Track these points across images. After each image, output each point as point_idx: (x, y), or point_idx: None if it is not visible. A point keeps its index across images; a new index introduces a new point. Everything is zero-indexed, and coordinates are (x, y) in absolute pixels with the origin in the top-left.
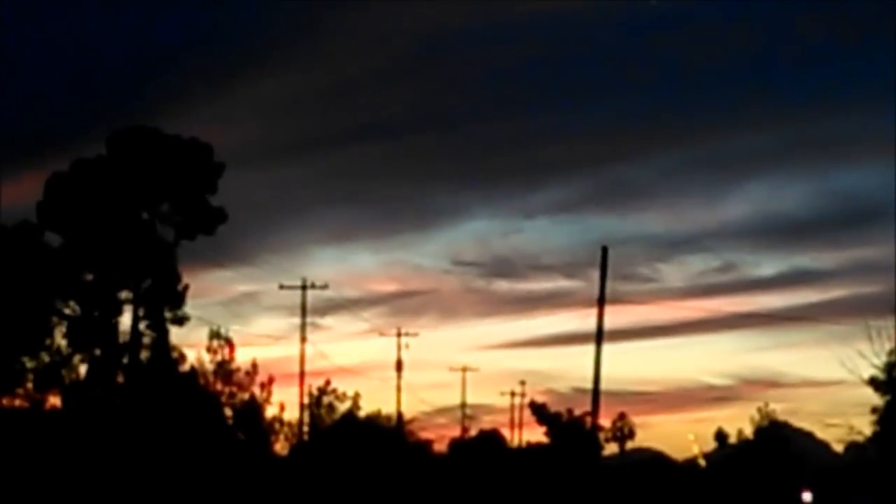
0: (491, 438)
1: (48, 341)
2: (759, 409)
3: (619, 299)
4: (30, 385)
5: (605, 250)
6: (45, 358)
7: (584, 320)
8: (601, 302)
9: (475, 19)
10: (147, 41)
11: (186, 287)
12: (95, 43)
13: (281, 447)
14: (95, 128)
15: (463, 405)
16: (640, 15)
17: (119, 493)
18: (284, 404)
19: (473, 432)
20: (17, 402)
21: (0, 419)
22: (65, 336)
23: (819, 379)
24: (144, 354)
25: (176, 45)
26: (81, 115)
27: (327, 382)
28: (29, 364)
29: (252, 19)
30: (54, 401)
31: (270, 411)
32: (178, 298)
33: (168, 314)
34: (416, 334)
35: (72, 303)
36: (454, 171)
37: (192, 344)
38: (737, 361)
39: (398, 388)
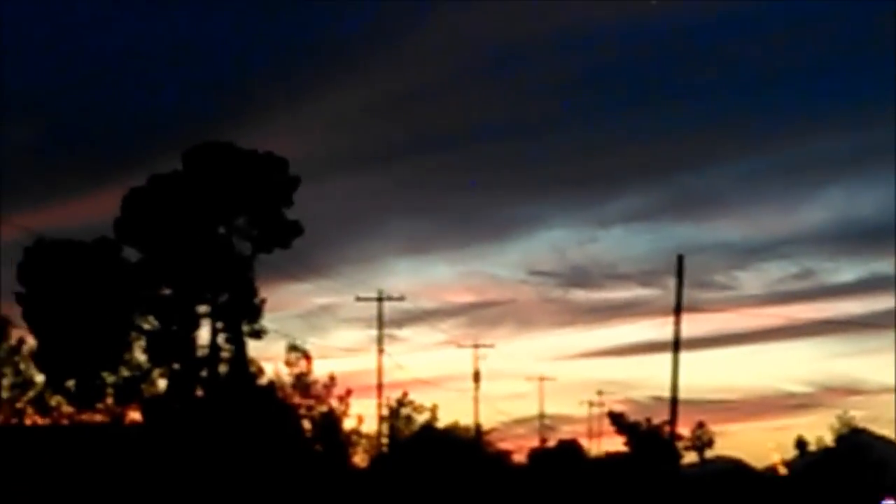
0: (570, 448)
1: (127, 356)
2: (839, 417)
3: (697, 307)
4: (110, 400)
5: (680, 259)
6: (125, 373)
7: (661, 329)
8: (678, 310)
9: (549, 26)
10: (221, 56)
11: (263, 300)
12: (170, 58)
13: (360, 459)
14: (171, 143)
15: (541, 415)
16: (715, 19)
17: None
18: (362, 416)
19: (552, 442)
20: (98, 417)
21: (81, 434)
22: (144, 351)
23: None
24: (223, 368)
25: (250, 58)
26: (157, 131)
27: (405, 394)
28: (109, 379)
29: (325, 31)
30: (134, 415)
31: (349, 424)
32: (255, 312)
33: (246, 328)
34: (492, 345)
35: (150, 317)
36: (530, 181)
37: (269, 357)
38: (816, 369)
39: (476, 400)
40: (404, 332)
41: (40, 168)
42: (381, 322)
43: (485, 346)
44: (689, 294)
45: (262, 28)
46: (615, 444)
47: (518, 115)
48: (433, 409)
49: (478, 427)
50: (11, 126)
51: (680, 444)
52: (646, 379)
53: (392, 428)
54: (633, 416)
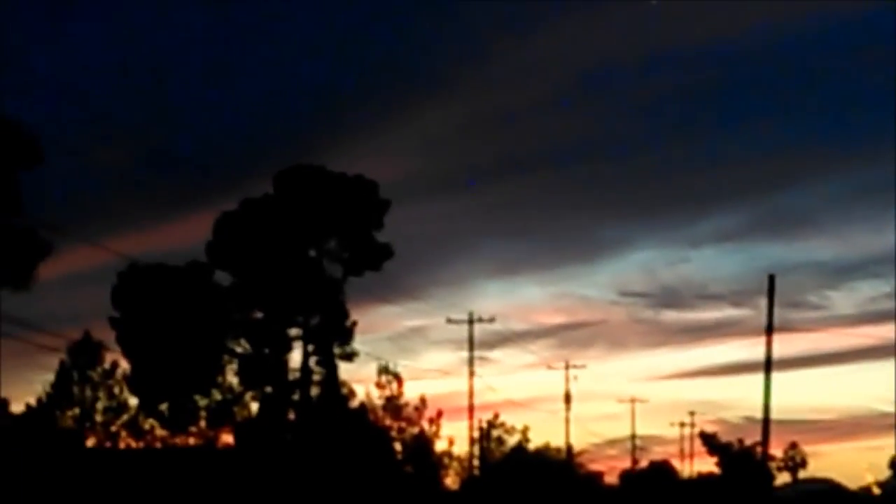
0: (661, 469)
1: (220, 379)
2: None
3: (789, 327)
4: (202, 423)
5: (772, 279)
6: (217, 396)
7: (752, 349)
8: (769, 330)
9: (637, 46)
10: (312, 79)
11: (355, 323)
12: (261, 82)
13: (451, 481)
14: (263, 166)
15: (633, 436)
16: (805, 38)
17: None
18: (454, 438)
19: (644, 463)
20: (191, 440)
21: (174, 457)
22: (236, 374)
23: None
24: (314, 391)
25: (340, 81)
26: (249, 154)
27: (496, 416)
28: (201, 402)
29: (414, 53)
30: (227, 438)
31: (440, 445)
32: (346, 334)
33: (337, 350)
34: (583, 366)
35: (242, 341)
36: (620, 201)
37: (361, 379)
38: None
39: (567, 421)
40: (495, 354)
41: (133, 192)
42: (471, 344)
43: (576, 367)
44: (780, 314)
45: (352, 51)
46: (707, 464)
47: (608, 136)
48: (524, 431)
49: (569, 448)
50: (104, 150)
51: (772, 465)
52: (737, 399)
53: (483, 450)
54: (725, 436)
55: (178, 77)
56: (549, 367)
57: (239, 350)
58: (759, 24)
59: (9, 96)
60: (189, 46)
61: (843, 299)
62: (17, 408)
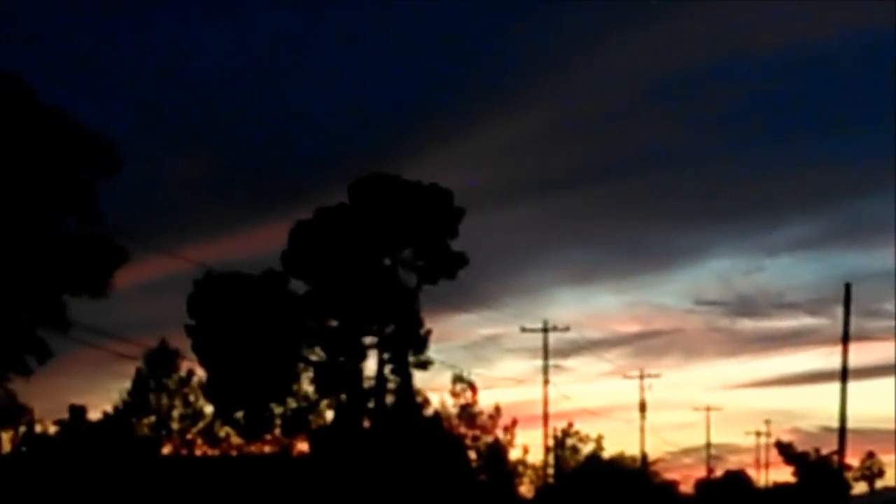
0: (737, 478)
1: (295, 387)
2: None
3: (866, 336)
4: (278, 431)
5: (848, 287)
6: (293, 404)
7: (829, 358)
8: (846, 339)
9: (714, 54)
10: (386, 89)
11: (429, 331)
12: (336, 92)
13: (526, 490)
14: (338, 176)
15: (708, 445)
16: (884, 44)
17: None
18: (528, 447)
19: (719, 472)
20: (266, 448)
21: (249, 465)
22: (311, 382)
23: None
24: (389, 399)
25: (415, 90)
26: (324, 164)
27: (570, 424)
28: (276, 410)
29: (489, 62)
30: (302, 446)
31: (514, 454)
32: (421, 343)
33: (412, 359)
34: (658, 375)
35: (317, 349)
36: (695, 210)
37: (435, 388)
38: None
39: (642, 429)
40: (570, 363)
41: (209, 201)
42: (546, 352)
43: (650, 375)
44: (857, 322)
45: (427, 61)
46: (783, 474)
47: (683, 144)
48: (598, 440)
49: (644, 457)
50: (180, 159)
51: (849, 475)
52: (814, 408)
53: (557, 458)
54: (801, 445)
55: (254, 86)
56: (624, 376)
57: (314, 358)
58: (839, 30)
59: (87, 105)
60: (267, 56)
61: None
62: (94, 415)
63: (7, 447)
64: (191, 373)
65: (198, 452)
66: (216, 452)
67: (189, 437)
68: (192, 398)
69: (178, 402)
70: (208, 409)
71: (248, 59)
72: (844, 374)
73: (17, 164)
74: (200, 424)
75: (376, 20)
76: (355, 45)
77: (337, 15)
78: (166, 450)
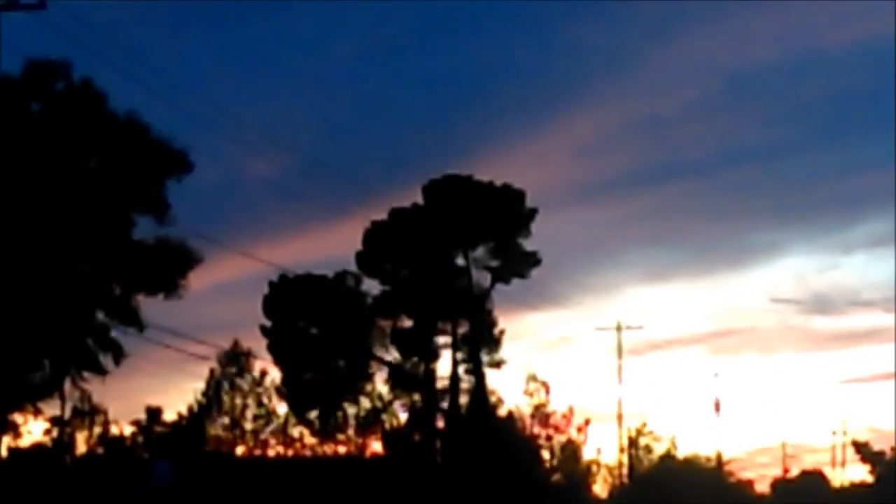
0: (813, 478)
1: (369, 387)
2: None
3: None
4: (351, 431)
5: None
6: (367, 404)
7: None
8: None
9: (790, 50)
10: (460, 88)
11: (503, 331)
12: (409, 92)
13: (600, 489)
14: (412, 176)
15: (783, 444)
16: None
17: None
18: (602, 446)
19: (795, 472)
20: (340, 448)
21: (323, 465)
22: (385, 382)
23: None
24: (463, 399)
25: (488, 89)
26: (398, 164)
27: (644, 424)
28: (350, 410)
29: (562, 60)
30: (375, 446)
31: (588, 454)
32: (494, 342)
33: (485, 358)
34: (733, 373)
35: (391, 349)
36: (770, 207)
37: (509, 387)
38: None
39: (717, 429)
40: (644, 362)
41: (282, 202)
42: (620, 351)
43: (726, 374)
44: None
45: (501, 59)
46: (860, 473)
47: (757, 141)
48: (672, 439)
49: (719, 456)
50: (255, 160)
51: None
52: (890, 407)
53: (632, 458)
54: (878, 444)
55: (329, 87)
56: (699, 375)
57: (388, 358)
58: None
59: (161, 108)
60: (341, 58)
61: None
62: (169, 416)
63: (83, 448)
64: (264, 373)
65: (271, 453)
66: (290, 453)
67: (262, 437)
68: (265, 399)
69: (251, 403)
70: (282, 409)
71: (322, 58)
72: None
73: (92, 169)
74: (274, 425)
75: (451, 19)
76: (431, 44)
77: (410, 16)
78: (240, 450)
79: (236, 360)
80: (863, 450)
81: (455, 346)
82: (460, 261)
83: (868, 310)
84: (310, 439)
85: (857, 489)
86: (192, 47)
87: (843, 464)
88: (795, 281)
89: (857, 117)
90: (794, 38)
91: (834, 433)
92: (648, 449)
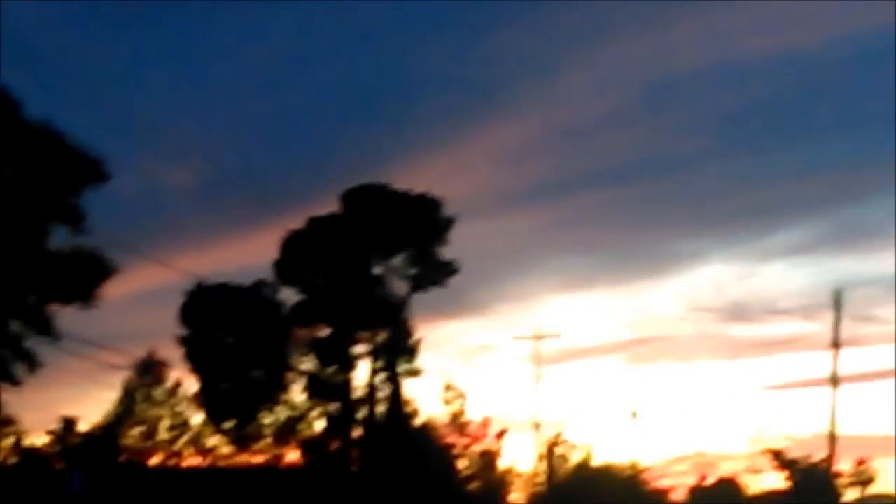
0: (729, 485)
1: (286, 397)
2: None
3: (858, 341)
4: (268, 441)
5: (838, 293)
6: (283, 413)
7: (822, 364)
8: (836, 345)
9: (705, 60)
10: (377, 96)
11: (420, 340)
12: (327, 100)
13: (517, 498)
14: (329, 185)
15: (699, 452)
16: (873, 49)
17: None
18: (519, 455)
19: (711, 479)
20: (256, 459)
21: (238, 476)
22: (302, 391)
23: None
24: (380, 408)
25: (407, 97)
26: (315, 173)
27: (561, 432)
28: (267, 420)
29: (480, 68)
30: (292, 456)
31: (505, 462)
32: (412, 351)
33: (402, 367)
34: (649, 382)
35: (308, 358)
36: (689, 216)
37: (426, 397)
38: None
39: (634, 437)
40: (561, 370)
41: (200, 211)
42: (537, 360)
43: (643, 382)
44: (850, 328)
45: (418, 67)
46: (775, 480)
47: (677, 150)
48: (589, 448)
49: (635, 464)
50: (172, 169)
51: (841, 481)
52: (806, 414)
53: (549, 466)
54: (794, 452)
55: (244, 96)
56: (617, 383)
57: (305, 367)
58: (832, 35)
59: (75, 116)
60: (257, 65)
61: None
62: (84, 426)
63: None
64: (178, 383)
65: (186, 463)
66: (205, 463)
67: (177, 447)
68: (180, 408)
69: (166, 413)
70: (197, 419)
71: (237, 67)
72: (835, 380)
73: (5, 177)
74: (189, 435)
75: (365, 27)
76: (349, 51)
77: (327, 23)
78: (154, 461)
79: (151, 369)
80: (779, 457)
81: (372, 355)
82: (378, 269)
83: (785, 318)
84: (226, 449)
85: (772, 496)
86: (108, 54)
87: (759, 471)
88: (713, 289)
89: (774, 126)
90: (712, 47)
91: (750, 441)
92: (565, 458)
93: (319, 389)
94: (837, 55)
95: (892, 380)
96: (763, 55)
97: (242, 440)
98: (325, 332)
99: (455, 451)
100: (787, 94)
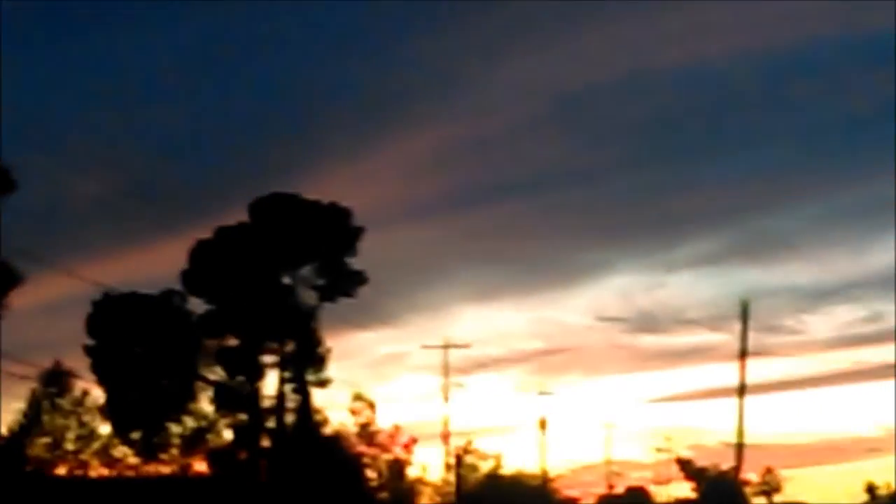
0: (637, 495)
1: (194, 407)
2: None
3: (765, 352)
4: (176, 451)
5: (745, 304)
6: (191, 423)
7: (729, 374)
8: (743, 355)
9: (615, 71)
10: (285, 107)
11: (329, 350)
12: (235, 110)
13: None
14: (238, 195)
15: (608, 461)
16: (780, 63)
17: None
18: (428, 465)
19: (620, 489)
20: (164, 469)
21: (146, 486)
22: (210, 401)
23: None
24: (289, 418)
25: (315, 108)
26: (223, 183)
27: (470, 442)
28: (175, 430)
29: (389, 79)
30: (200, 466)
31: (414, 472)
32: (320, 361)
33: (311, 377)
34: (559, 392)
35: (216, 368)
36: (597, 226)
37: (335, 407)
38: (886, 412)
39: (542, 446)
40: (470, 380)
41: (107, 220)
42: (447, 370)
43: (551, 392)
44: (756, 338)
45: (327, 78)
46: (683, 489)
47: (585, 161)
48: (499, 457)
49: (544, 474)
50: (78, 178)
51: (749, 490)
52: (714, 424)
53: (458, 476)
54: (701, 461)
55: (152, 106)
56: (525, 393)
57: (213, 377)
58: (739, 49)
59: None
60: (164, 75)
61: (820, 323)
62: None
63: None
64: (85, 393)
65: (93, 473)
66: (112, 473)
67: (84, 457)
68: (87, 418)
69: (72, 423)
70: (104, 429)
71: (145, 75)
72: (742, 390)
73: None
74: (96, 445)
75: (273, 36)
76: (253, 61)
77: (234, 30)
78: (61, 471)
79: (58, 379)
80: (687, 466)
81: (281, 365)
82: (287, 279)
83: (693, 328)
84: (133, 459)
85: None
86: (14, 63)
87: (668, 480)
88: (621, 299)
89: (682, 138)
90: (622, 58)
91: (658, 450)
92: (474, 467)
93: (228, 399)
94: (746, 68)
95: (799, 390)
96: (673, 67)
97: (150, 450)
98: (233, 341)
99: (364, 461)
100: (696, 107)
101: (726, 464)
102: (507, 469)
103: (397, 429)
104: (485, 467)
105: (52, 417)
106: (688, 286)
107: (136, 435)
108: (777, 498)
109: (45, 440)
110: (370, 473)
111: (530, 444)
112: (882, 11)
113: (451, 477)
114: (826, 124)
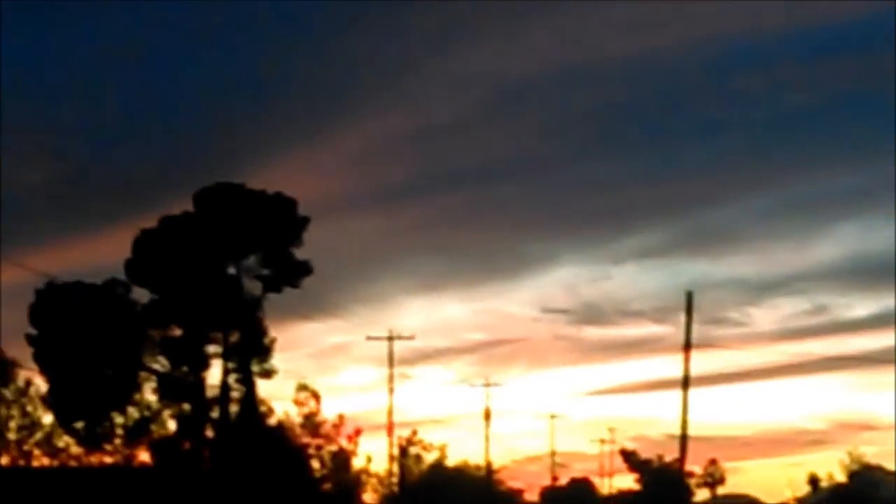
0: (581, 486)
1: (137, 397)
2: (850, 453)
3: (709, 344)
4: (119, 441)
5: (689, 296)
6: (135, 413)
7: (673, 366)
8: (687, 347)
9: (559, 62)
10: (231, 97)
11: (274, 340)
12: (181, 99)
13: (370, 499)
14: (182, 184)
15: (553, 453)
16: (727, 56)
17: None
18: (372, 456)
19: (564, 480)
20: (107, 459)
21: (89, 476)
22: (154, 391)
23: None
24: (233, 408)
25: (258, 100)
26: (168, 172)
27: (414, 433)
28: (118, 420)
29: (332, 70)
30: (144, 457)
31: (359, 463)
32: (265, 352)
33: (256, 368)
34: (503, 383)
35: (160, 358)
36: (542, 218)
37: (280, 397)
38: (829, 405)
39: (487, 438)
40: (415, 371)
41: (50, 209)
42: (391, 361)
43: (496, 384)
44: (701, 330)
45: (271, 70)
46: (627, 481)
47: (530, 153)
48: (443, 448)
49: (489, 465)
50: (21, 166)
51: (692, 481)
52: (658, 416)
53: (402, 467)
54: (645, 453)
55: (97, 93)
56: (470, 384)
57: (157, 367)
58: (680, 41)
59: None
60: (108, 63)
61: (764, 316)
62: None
63: None
64: (28, 383)
65: (36, 463)
66: (55, 463)
67: (27, 447)
68: (29, 408)
69: (15, 412)
70: (47, 419)
71: (89, 64)
72: (686, 382)
73: None
74: (39, 435)
75: (219, 26)
76: (198, 51)
77: (181, 22)
78: (3, 460)
79: (0, 369)
80: (630, 458)
81: (225, 356)
82: (231, 269)
83: (637, 320)
84: (76, 449)
85: (624, 496)
86: None
87: (612, 472)
88: (566, 291)
89: (627, 129)
90: (565, 49)
91: (602, 442)
92: (419, 458)
93: (171, 389)
94: (693, 60)
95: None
96: (619, 58)
97: (93, 440)
98: (177, 331)
99: (308, 452)
100: (642, 98)
101: (670, 455)
102: (452, 460)
103: (342, 419)
104: (429, 458)
105: None
106: (633, 278)
107: (79, 425)
108: (720, 490)
109: None
110: (314, 464)
111: (475, 435)
112: (827, 5)
113: (396, 468)
114: (771, 117)
